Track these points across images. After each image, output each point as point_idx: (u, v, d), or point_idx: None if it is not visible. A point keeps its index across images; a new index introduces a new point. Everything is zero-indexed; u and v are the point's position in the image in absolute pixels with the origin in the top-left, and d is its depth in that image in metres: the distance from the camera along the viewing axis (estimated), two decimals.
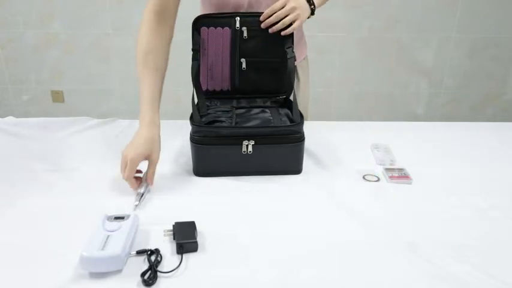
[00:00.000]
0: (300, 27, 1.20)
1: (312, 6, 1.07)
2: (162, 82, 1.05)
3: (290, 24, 1.04)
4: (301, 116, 1.01)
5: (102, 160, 1.05)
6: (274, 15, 1.03)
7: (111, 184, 0.95)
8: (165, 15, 1.05)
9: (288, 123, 1.03)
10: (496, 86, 2.76)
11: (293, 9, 1.02)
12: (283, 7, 1.02)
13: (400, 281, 0.67)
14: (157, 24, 1.04)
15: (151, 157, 0.93)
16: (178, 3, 1.07)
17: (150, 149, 0.93)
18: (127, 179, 0.89)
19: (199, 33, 1.09)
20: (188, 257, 0.71)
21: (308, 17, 1.08)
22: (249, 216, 0.84)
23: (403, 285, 0.67)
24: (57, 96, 2.75)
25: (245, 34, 1.08)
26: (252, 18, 1.08)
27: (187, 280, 0.67)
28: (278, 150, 0.97)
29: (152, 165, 0.93)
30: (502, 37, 2.62)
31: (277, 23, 1.04)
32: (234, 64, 1.11)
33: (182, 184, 0.96)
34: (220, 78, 1.14)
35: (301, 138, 0.97)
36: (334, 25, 2.52)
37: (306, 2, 1.06)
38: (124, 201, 0.88)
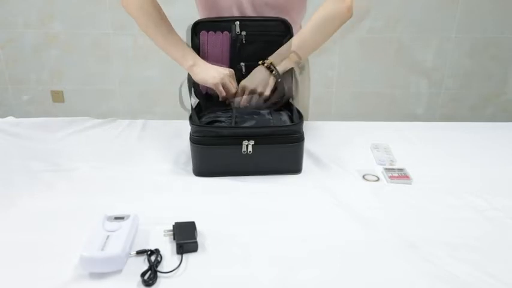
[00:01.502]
0: (299, 28, 1.20)
1: (274, 72, 1.06)
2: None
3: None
4: (301, 115, 1.01)
5: (102, 160, 1.05)
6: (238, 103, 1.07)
7: (111, 184, 0.95)
8: None
9: (288, 123, 1.03)
10: (496, 86, 2.76)
11: (253, 91, 1.05)
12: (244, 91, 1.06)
13: (399, 281, 0.67)
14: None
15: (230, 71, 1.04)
16: None
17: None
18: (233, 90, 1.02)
19: (198, 38, 1.09)
20: (188, 257, 0.71)
21: (277, 80, 1.07)
22: (249, 216, 0.84)
23: (403, 285, 0.67)
24: (57, 96, 2.75)
25: (244, 39, 1.08)
26: (251, 22, 1.08)
27: (187, 280, 0.67)
28: (278, 150, 0.97)
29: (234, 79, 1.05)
30: (502, 37, 2.62)
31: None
32: (234, 68, 1.11)
33: (182, 184, 0.96)
34: None
35: (300, 138, 0.97)
36: None
37: (265, 72, 1.06)
38: (124, 201, 0.88)
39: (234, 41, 1.09)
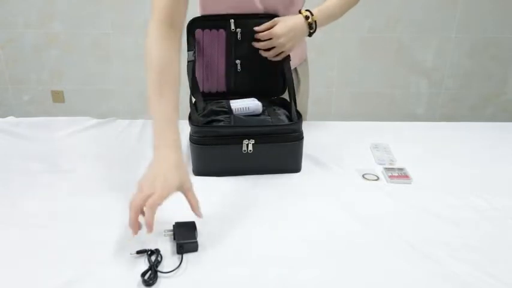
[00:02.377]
0: None
1: (311, 30, 1.05)
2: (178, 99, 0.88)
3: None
4: (299, 114, 1.01)
5: (102, 160, 1.05)
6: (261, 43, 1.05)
7: (111, 184, 0.95)
8: (174, 26, 0.91)
9: (287, 122, 1.03)
10: (496, 86, 2.76)
11: (275, 41, 1.03)
12: (271, 29, 1.03)
13: (399, 281, 0.67)
14: (167, 37, 0.90)
15: (185, 185, 0.76)
16: (186, 11, 0.95)
17: (183, 175, 0.76)
18: (134, 225, 0.69)
19: (194, 35, 1.09)
20: (188, 257, 0.71)
21: (309, 35, 1.07)
22: (249, 216, 0.84)
23: (403, 285, 0.67)
24: (58, 96, 2.75)
25: (240, 36, 1.08)
26: (246, 20, 1.07)
27: (187, 280, 0.67)
28: (277, 149, 0.97)
29: (191, 194, 0.76)
30: (502, 37, 2.62)
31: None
32: (230, 65, 1.11)
33: None
34: (215, 80, 1.14)
35: (300, 137, 0.98)
36: (334, 25, 2.52)
37: (303, 27, 1.04)
38: (124, 201, 0.88)
39: (230, 38, 1.09)
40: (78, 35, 2.59)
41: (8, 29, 2.57)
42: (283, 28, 1.03)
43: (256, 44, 1.06)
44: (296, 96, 1.11)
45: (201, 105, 1.10)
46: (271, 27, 1.04)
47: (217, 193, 0.92)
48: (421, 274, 0.68)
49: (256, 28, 1.05)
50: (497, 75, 2.72)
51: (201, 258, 0.72)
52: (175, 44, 0.91)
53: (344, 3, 1.12)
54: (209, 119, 1.04)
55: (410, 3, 2.52)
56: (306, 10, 1.05)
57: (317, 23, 1.05)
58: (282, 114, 1.07)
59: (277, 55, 1.07)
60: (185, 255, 0.71)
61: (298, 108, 1.06)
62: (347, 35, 2.58)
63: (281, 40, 1.03)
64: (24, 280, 0.66)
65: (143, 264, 0.69)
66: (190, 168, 1.00)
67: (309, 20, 1.04)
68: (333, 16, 1.11)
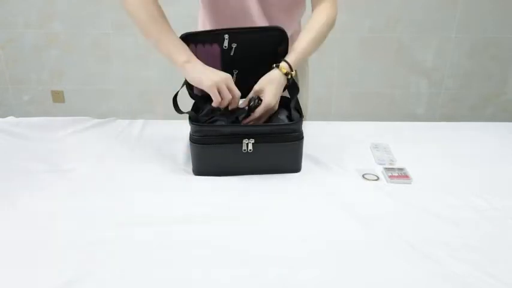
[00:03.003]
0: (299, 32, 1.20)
1: (289, 76, 1.01)
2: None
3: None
4: (300, 114, 1.01)
5: (102, 160, 1.05)
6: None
7: (110, 184, 0.95)
8: None
9: (287, 121, 1.03)
10: (496, 86, 2.76)
11: (273, 109, 1.01)
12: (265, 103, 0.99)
13: (399, 281, 0.67)
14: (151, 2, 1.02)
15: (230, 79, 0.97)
16: None
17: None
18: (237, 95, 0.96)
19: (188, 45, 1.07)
20: (188, 257, 0.71)
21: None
22: (249, 216, 0.84)
23: (403, 285, 0.67)
24: (58, 96, 2.75)
25: (234, 51, 1.05)
26: (241, 35, 1.04)
27: (187, 280, 0.67)
28: (277, 148, 0.97)
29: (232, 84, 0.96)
30: (502, 37, 2.62)
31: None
32: (226, 69, 1.09)
33: (182, 184, 0.96)
34: None
35: (300, 137, 0.98)
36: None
37: (283, 81, 1.01)
38: (124, 201, 0.88)
39: (224, 53, 1.06)
40: (78, 35, 2.59)
41: (8, 29, 2.57)
42: (271, 94, 0.99)
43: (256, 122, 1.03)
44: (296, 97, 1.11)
45: (201, 105, 1.10)
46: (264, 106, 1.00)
47: (217, 193, 0.92)
48: (421, 274, 0.68)
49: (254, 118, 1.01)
50: (497, 75, 2.72)
51: (201, 258, 0.72)
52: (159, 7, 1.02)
53: (317, 40, 1.07)
54: (209, 119, 1.04)
55: (410, 3, 2.52)
56: (284, 61, 1.01)
57: (293, 75, 1.03)
58: (282, 114, 1.07)
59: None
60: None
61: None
62: (347, 35, 2.58)
63: (274, 105, 1.00)
64: (24, 280, 0.66)
65: (143, 264, 0.69)
66: (190, 168, 1.00)
67: (288, 76, 1.01)
68: (307, 56, 1.09)
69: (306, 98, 1.34)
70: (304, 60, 1.09)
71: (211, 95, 0.95)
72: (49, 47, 2.62)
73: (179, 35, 1.03)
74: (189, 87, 1.07)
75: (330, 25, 1.09)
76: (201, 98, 1.11)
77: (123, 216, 0.83)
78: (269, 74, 1.00)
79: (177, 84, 1.07)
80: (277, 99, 1.01)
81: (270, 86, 0.99)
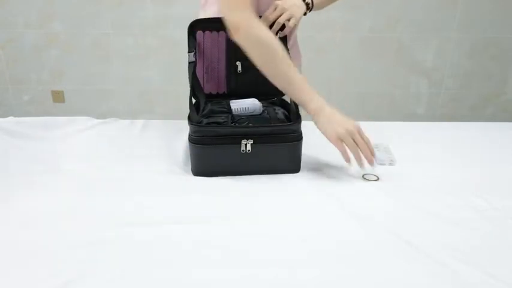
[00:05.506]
0: (292, 34, 1.21)
1: (307, 1, 1.08)
2: None
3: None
4: (299, 115, 1.01)
5: (102, 160, 1.05)
6: (265, 19, 1.06)
7: (110, 184, 0.95)
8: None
9: (286, 122, 1.03)
10: (496, 86, 2.76)
11: (283, 9, 1.04)
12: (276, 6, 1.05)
13: (399, 281, 0.67)
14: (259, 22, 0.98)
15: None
16: None
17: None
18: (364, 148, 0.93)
19: (195, 37, 1.09)
20: (188, 257, 0.71)
21: (305, 14, 1.10)
22: (248, 216, 0.84)
23: (403, 285, 0.67)
24: (58, 96, 2.75)
25: None
26: None
27: (187, 280, 0.67)
28: (276, 149, 0.97)
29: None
30: (502, 37, 2.62)
31: (272, 25, 1.05)
32: (230, 67, 1.11)
33: (181, 184, 0.96)
34: (216, 81, 1.14)
35: (299, 137, 0.98)
36: (334, 25, 2.52)
37: (300, 2, 1.08)
38: (124, 201, 0.88)
39: (230, 40, 1.09)
40: (78, 35, 2.59)
41: (8, 29, 2.57)
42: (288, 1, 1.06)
43: (269, 16, 1.07)
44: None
45: (202, 104, 1.10)
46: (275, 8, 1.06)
47: (216, 193, 0.92)
48: (421, 274, 0.68)
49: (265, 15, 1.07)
50: (497, 75, 2.72)
51: (201, 258, 0.72)
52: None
53: None
54: (209, 119, 1.04)
55: (410, 3, 2.52)
56: None
57: (313, 2, 1.10)
58: (281, 115, 1.07)
59: (282, 28, 1.09)
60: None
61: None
62: (347, 35, 2.58)
63: (283, 5, 1.05)
64: (24, 280, 0.66)
65: (143, 264, 0.69)
66: (189, 168, 1.00)
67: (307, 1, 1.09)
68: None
69: None
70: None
71: (338, 149, 0.93)
72: (49, 47, 2.62)
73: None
74: (192, 86, 1.08)
75: None
76: (205, 97, 1.12)
77: (123, 216, 0.83)
78: None
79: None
80: (290, 5, 1.05)
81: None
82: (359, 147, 0.92)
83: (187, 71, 1.08)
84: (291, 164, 1.00)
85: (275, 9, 1.06)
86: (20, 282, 0.66)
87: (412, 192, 0.93)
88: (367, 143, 0.93)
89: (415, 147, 1.15)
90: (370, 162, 0.93)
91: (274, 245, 0.75)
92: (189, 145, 0.97)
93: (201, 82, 1.13)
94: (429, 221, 0.83)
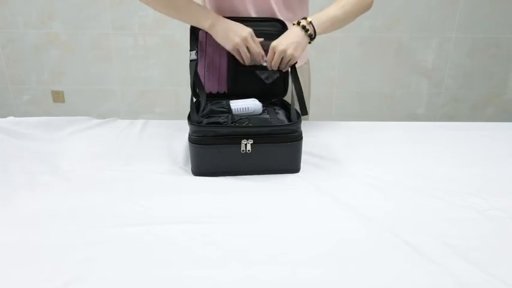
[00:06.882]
0: None
1: (309, 32, 1.05)
2: None
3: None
4: (299, 115, 1.01)
5: (102, 160, 1.05)
6: (269, 65, 1.06)
7: (110, 184, 0.95)
8: None
9: (286, 122, 1.03)
10: (496, 86, 2.76)
11: (282, 53, 1.02)
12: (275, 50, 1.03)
13: (399, 281, 0.67)
14: None
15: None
16: None
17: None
18: (256, 52, 1.03)
19: (197, 36, 1.10)
20: (188, 257, 0.71)
21: (309, 42, 1.07)
22: (248, 216, 0.84)
23: (403, 285, 0.67)
24: (58, 96, 2.75)
25: None
26: (249, 22, 1.08)
27: (187, 280, 0.67)
28: (276, 149, 0.97)
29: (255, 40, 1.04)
30: (502, 37, 2.62)
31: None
32: (232, 66, 1.11)
33: (181, 184, 0.96)
34: (217, 81, 1.14)
35: (299, 137, 0.98)
36: None
37: (300, 32, 1.04)
38: (124, 201, 0.88)
39: None
40: (78, 35, 2.59)
41: (8, 29, 2.57)
42: (284, 41, 1.03)
43: (272, 64, 1.06)
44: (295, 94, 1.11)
45: (203, 103, 1.10)
46: (273, 52, 1.03)
47: (216, 193, 0.92)
48: (421, 274, 0.68)
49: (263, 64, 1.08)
50: (497, 75, 2.72)
51: (201, 258, 0.72)
52: None
53: (346, 3, 1.11)
54: (209, 119, 1.04)
55: (410, 3, 2.52)
56: (303, 18, 1.05)
57: (316, 29, 1.05)
58: (281, 114, 1.07)
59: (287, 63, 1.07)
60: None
61: (298, 108, 1.06)
62: (347, 35, 2.58)
63: (289, 51, 1.02)
64: (25, 280, 0.66)
65: (143, 264, 0.69)
66: (189, 168, 1.00)
67: (306, 29, 1.04)
68: (335, 18, 1.10)
69: (307, 98, 1.34)
70: (329, 20, 1.09)
71: (240, 53, 1.05)
72: (49, 47, 2.62)
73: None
74: (193, 86, 1.08)
75: (360, 6, 1.16)
76: (206, 95, 1.12)
77: (123, 216, 0.83)
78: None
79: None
80: (288, 45, 1.02)
81: (281, 36, 1.05)
82: (250, 51, 1.05)
83: (187, 71, 1.08)
84: (291, 164, 1.00)
85: (274, 53, 1.03)
86: (20, 282, 0.66)
87: (412, 192, 0.93)
88: (258, 47, 1.05)
89: (415, 147, 1.15)
90: (274, 65, 1.04)
91: (275, 245, 0.75)
92: (189, 145, 0.97)
93: (202, 81, 1.13)
94: (429, 221, 0.83)
